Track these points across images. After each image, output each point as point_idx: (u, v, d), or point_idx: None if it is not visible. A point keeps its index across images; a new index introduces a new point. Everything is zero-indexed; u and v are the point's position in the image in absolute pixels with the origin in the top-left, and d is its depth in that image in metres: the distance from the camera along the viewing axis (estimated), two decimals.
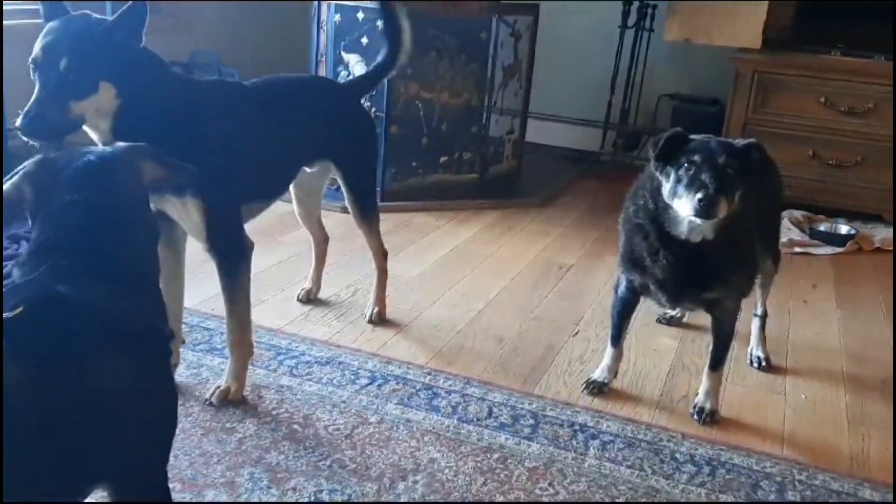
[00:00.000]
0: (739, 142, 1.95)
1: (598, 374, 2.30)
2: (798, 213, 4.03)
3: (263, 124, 2.09)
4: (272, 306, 2.69)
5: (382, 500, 1.75)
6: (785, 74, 4.09)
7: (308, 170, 2.43)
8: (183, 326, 2.45)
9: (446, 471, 1.87)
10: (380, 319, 2.64)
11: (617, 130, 4.88)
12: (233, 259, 2.04)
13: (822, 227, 3.94)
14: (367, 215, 2.55)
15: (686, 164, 1.88)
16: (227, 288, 2.06)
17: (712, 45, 4.22)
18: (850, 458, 2.07)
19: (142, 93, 1.79)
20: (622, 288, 2.22)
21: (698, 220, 1.87)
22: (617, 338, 2.29)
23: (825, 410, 2.30)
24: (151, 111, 1.80)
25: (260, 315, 2.59)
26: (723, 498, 1.85)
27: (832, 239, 3.83)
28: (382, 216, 3.69)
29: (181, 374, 2.18)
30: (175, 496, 1.70)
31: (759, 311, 2.56)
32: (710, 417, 2.16)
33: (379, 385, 2.22)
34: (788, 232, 3.84)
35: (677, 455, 2.00)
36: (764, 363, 2.50)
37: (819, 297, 3.18)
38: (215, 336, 2.41)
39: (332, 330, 2.55)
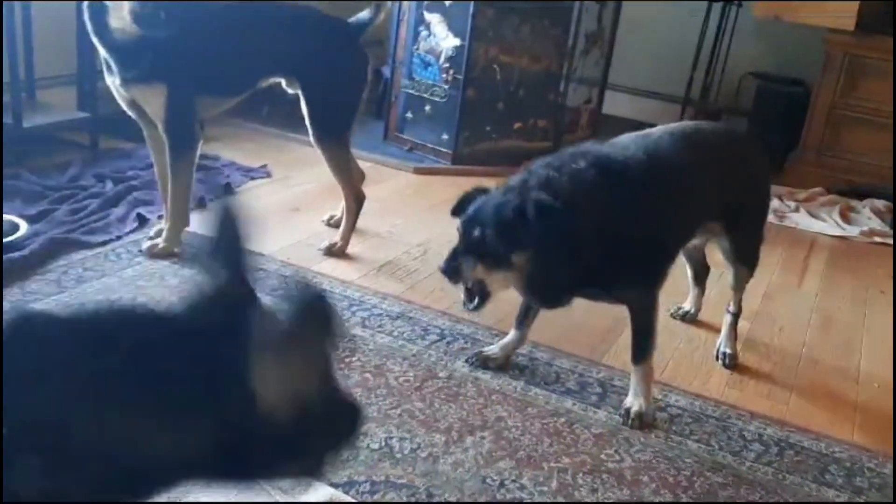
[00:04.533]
0: (513, 202, 1.78)
1: (491, 349, 2.20)
2: (880, 203, 3.92)
3: (224, 31, 2.47)
4: (345, 261, 2.73)
5: (450, 451, 1.79)
6: (877, 59, 3.95)
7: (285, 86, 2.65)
8: (260, 273, 2.52)
9: (513, 429, 1.90)
10: (332, 253, 2.72)
11: (696, 108, 4.78)
12: (181, 144, 2.45)
13: None
14: (324, 138, 2.62)
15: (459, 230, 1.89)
16: (172, 167, 2.47)
17: (803, 23, 4.09)
18: None
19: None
20: None
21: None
22: (520, 321, 2.19)
23: None
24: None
25: (333, 267, 2.65)
26: (790, 479, 1.84)
27: None
28: (451, 178, 3.74)
29: None
30: None
31: (731, 309, 2.36)
32: (638, 420, 1.96)
33: (448, 342, 2.25)
34: (869, 221, 3.74)
35: (745, 433, 1.99)
36: (728, 360, 2.31)
37: None
38: (291, 283, 2.46)
39: (404, 286, 2.59)
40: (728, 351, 2.34)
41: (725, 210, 2.14)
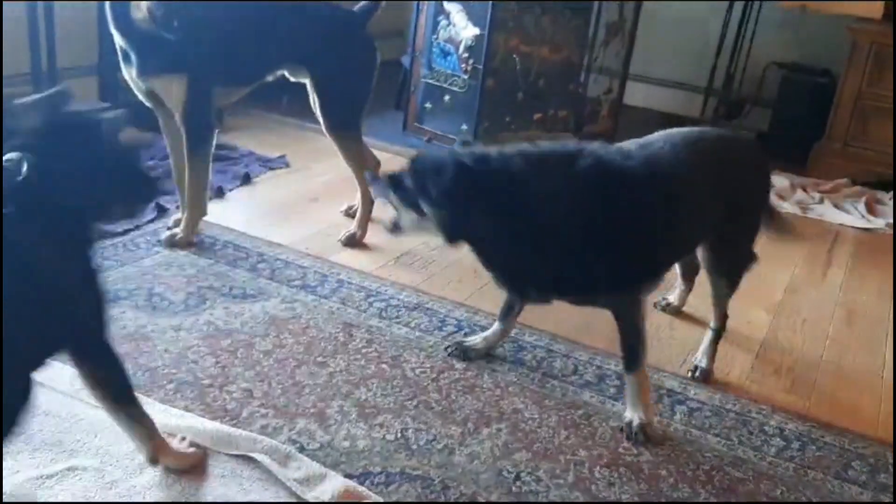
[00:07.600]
0: (451, 156, 1.78)
1: (472, 339, 2.17)
2: None
3: (238, 22, 2.49)
4: (362, 251, 2.73)
5: (466, 443, 1.78)
6: None
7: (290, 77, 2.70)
8: (278, 263, 2.52)
9: (530, 421, 1.88)
10: (352, 243, 2.73)
11: (719, 97, 4.72)
12: (198, 134, 2.46)
13: None
14: (337, 127, 2.66)
15: None
16: (189, 157, 2.48)
17: (829, 12, 4.02)
18: None
19: None
20: None
21: None
22: (504, 313, 2.15)
23: None
24: None
25: (351, 257, 2.64)
26: (812, 474, 1.81)
27: None
28: None
29: (276, 308, 2.24)
30: (268, 421, 1.76)
31: (712, 324, 2.22)
32: (641, 434, 1.85)
33: (465, 334, 2.24)
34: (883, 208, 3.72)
35: (766, 428, 1.96)
36: (700, 374, 2.15)
37: None
38: (309, 273, 2.46)
39: (421, 277, 2.58)
40: (702, 366, 2.17)
41: (718, 223, 2.01)
